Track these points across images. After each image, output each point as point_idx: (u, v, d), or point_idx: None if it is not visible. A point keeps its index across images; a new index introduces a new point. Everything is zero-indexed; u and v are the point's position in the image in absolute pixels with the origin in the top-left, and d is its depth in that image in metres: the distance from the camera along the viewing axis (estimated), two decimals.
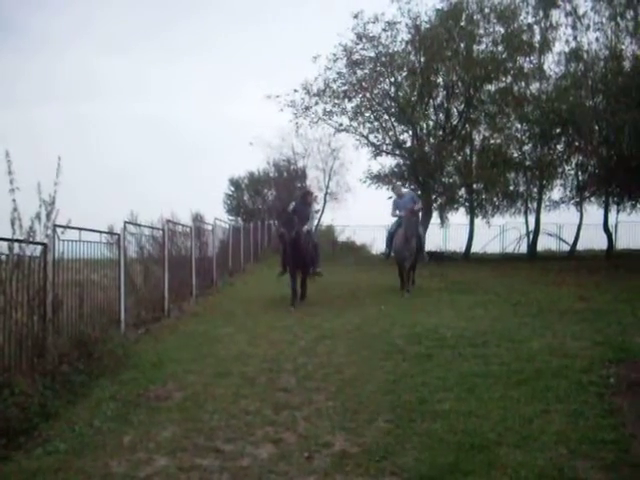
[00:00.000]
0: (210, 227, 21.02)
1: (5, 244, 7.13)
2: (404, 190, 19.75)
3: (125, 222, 12.02)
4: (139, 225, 13.62)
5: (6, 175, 7.45)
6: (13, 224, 7.44)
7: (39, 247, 7.87)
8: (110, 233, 11.26)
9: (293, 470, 5.47)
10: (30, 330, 7.44)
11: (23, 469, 5.38)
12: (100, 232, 10.39)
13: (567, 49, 29.78)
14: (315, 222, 17.59)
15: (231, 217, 40.79)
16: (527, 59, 30.49)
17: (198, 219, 20.33)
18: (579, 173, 32.61)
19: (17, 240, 7.36)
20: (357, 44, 30.40)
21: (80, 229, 9.17)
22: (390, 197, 33.02)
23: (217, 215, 23.39)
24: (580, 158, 32.00)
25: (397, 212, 17.34)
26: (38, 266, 7.82)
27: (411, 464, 5.49)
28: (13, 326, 7.10)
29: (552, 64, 30.84)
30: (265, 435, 6.36)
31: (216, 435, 6.35)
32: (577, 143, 30.73)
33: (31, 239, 7.62)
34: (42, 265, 7.93)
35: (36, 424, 6.44)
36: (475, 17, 30.06)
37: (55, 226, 8.18)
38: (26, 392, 6.55)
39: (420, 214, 18.70)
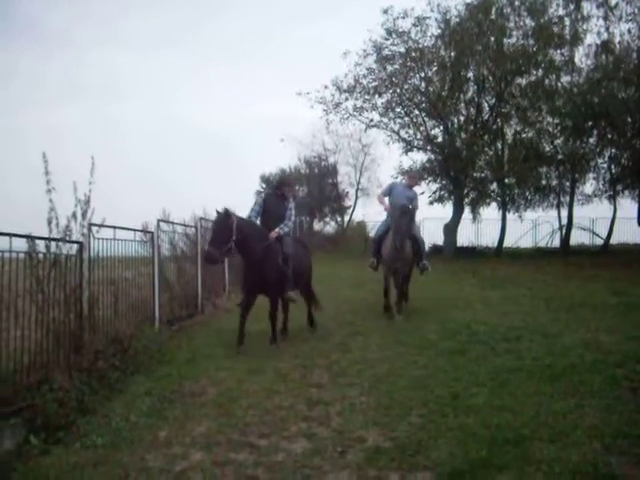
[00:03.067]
0: None
1: (43, 243, 7.24)
2: (415, 184, 14.68)
3: (158, 220, 12.10)
4: (172, 223, 13.69)
5: (43, 175, 7.55)
6: (50, 223, 7.55)
7: (75, 246, 7.98)
8: (144, 231, 11.38)
9: (327, 465, 5.53)
10: (67, 327, 7.56)
11: (62, 463, 5.48)
12: (134, 230, 10.50)
13: (599, 41, 29.34)
14: (291, 224, 11.23)
15: None
16: (558, 52, 30.11)
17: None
18: (612, 166, 32.19)
19: (54, 239, 7.47)
20: (387, 40, 30.26)
21: (114, 227, 9.27)
22: (422, 192, 32.99)
23: (247, 213, 23.38)
24: (613, 151, 31.59)
25: (386, 200, 13.50)
26: (74, 264, 7.93)
27: (444, 459, 5.51)
28: (51, 323, 7.22)
29: (583, 56, 30.37)
30: (299, 430, 6.43)
31: (250, 430, 6.43)
32: (610, 136, 30.32)
33: (67, 238, 7.73)
34: (78, 263, 8.04)
35: (74, 419, 6.56)
36: (505, 10, 29.73)
37: (90, 225, 8.28)
38: (64, 388, 6.66)
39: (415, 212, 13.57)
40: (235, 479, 5.26)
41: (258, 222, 10.87)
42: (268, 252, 10.24)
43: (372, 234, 34.55)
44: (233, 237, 9.61)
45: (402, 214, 12.60)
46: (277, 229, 10.59)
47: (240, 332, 10.22)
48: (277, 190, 11.23)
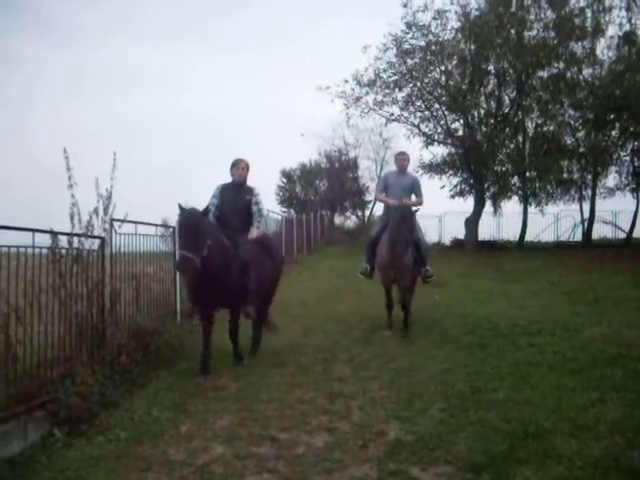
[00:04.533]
0: None
1: (65, 238, 7.30)
2: (408, 167, 12.10)
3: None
4: None
5: (65, 171, 7.61)
6: (72, 219, 7.61)
7: (97, 241, 8.03)
8: (165, 226, 11.42)
9: (348, 458, 5.54)
10: (89, 322, 7.61)
11: (86, 456, 5.53)
12: (155, 225, 10.53)
13: (621, 33, 29.19)
14: (264, 221, 9.67)
15: (283, 209, 40.89)
16: (579, 44, 29.92)
17: None
18: (635, 159, 31.99)
19: (76, 234, 7.53)
20: (407, 33, 30.17)
21: (136, 223, 9.31)
22: (443, 186, 32.95)
23: (269, 207, 23.43)
24: (636, 144, 31.38)
25: (385, 196, 11.44)
26: (96, 259, 7.99)
27: (465, 453, 5.52)
28: (73, 318, 7.28)
29: (605, 48, 30.20)
30: (320, 424, 6.45)
31: (271, 424, 6.45)
32: (632, 128, 30.11)
33: (89, 233, 7.78)
34: (100, 258, 8.09)
35: (96, 413, 6.61)
36: (525, 3, 29.55)
37: (112, 220, 8.33)
38: (87, 382, 6.71)
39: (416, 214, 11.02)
40: (256, 472, 5.28)
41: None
42: (228, 258, 8.47)
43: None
44: (208, 241, 7.97)
45: (401, 221, 10.41)
46: (253, 229, 9.09)
47: (205, 357, 8.57)
48: (231, 177, 9.33)
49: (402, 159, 11.81)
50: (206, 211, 8.34)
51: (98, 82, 69.72)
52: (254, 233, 9.06)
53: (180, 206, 8.22)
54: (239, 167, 9.25)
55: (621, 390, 7.07)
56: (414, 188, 11.41)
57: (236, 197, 9.15)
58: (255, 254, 9.00)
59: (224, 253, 8.41)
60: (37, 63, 71.71)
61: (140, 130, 66.60)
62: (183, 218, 8.15)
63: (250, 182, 9.50)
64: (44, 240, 6.94)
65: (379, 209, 38.94)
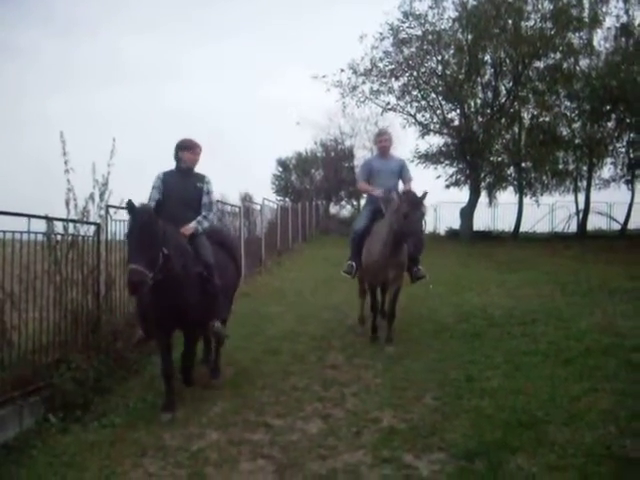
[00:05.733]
0: (258, 207, 21.18)
1: (61, 224, 7.29)
2: (391, 148, 10.40)
3: None
4: None
5: (61, 156, 7.57)
6: (68, 204, 7.58)
7: (92, 227, 8.02)
8: None
9: (342, 445, 5.58)
10: (85, 308, 7.61)
11: (81, 441, 5.55)
12: None
13: (618, 24, 29.23)
14: (213, 216, 7.42)
15: (279, 197, 40.96)
16: (576, 35, 29.90)
17: (247, 199, 20.46)
18: (630, 151, 32.06)
19: (72, 220, 7.51)
20: (403, 22, 30.12)
21: None
22: (438, 176, 32.91)
23: (265, 195, 23.45)
24: (631, 135, 31.45)
25: (367, 185, 9.86)
26: (92, 246, 7.98)
27: (458, 440, 5.55)
28: (69, 304, 7.28)
29: (602, 40, 30.25)
30: (314, 411, 6.50)
31: (266, 411, 6.50)
32: (628, 120, 30.17)
33: (85, 219, 7.77)
34: (95, 245, 8.08)
35: (92, 398, 6.64)
36: None
37: (108, 206, 8.31)
38: (82, 368, 6.72)
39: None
40: (251, 458, 5.31)
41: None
42: (189, 266, 6.55)
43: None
44: (164, 249, 6.05)
45: (413, 207, 8.44)
46: (193, 223, 7.00)
47: (169, 393, 6.59)
48: (178, 162, 7.33)
49: (383, 140, 10.06)
50: (158, 209, 6.40)
51: (92, 71, 69.68)
52: (190, 227, 6.92)
53: (130, 204, 6.05)
54: (194, 151, 7.31)
55: (614, 380, 7.11)
56: (402, 171, 9.87)
57: (184, 186, 7.17)
58: (217, 256, 7.21)
59: (184, 261, 6.46)
60: (33, 52, 71.55)
61: (134, 119, 66.57)
62: (134, 220, 6.08)
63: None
64: (40, 226, 6.95)
65: None
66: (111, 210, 8.46)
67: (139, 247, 5.86)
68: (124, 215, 8.80)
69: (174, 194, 7.07)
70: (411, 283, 9.94)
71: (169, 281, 6.19)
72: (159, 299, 6.34)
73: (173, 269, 6.20)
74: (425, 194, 8.58)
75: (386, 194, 9.25)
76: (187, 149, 7.27)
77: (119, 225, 8.84)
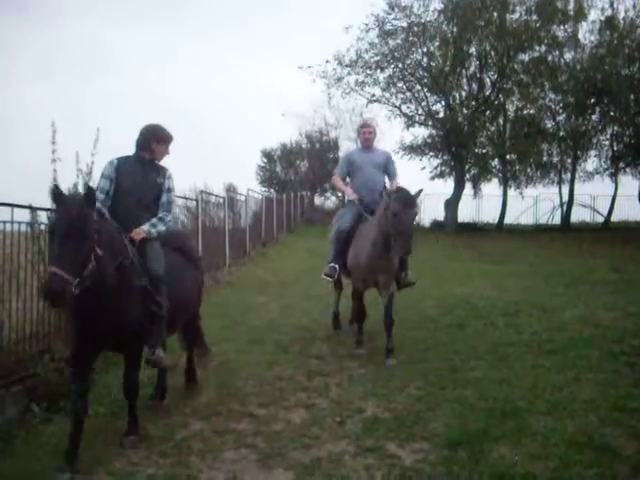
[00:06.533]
0: (243, 198, 21.17)
1: (45, 214, 7.24)
2: (375, 140, 9.59)
3: None
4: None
5: (50, 144, 7.48)
6: None
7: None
8: None
9: (325, 434, 5.60)
10: None
11: (64, 431, 5.53)
12: None
13: (602, 17, 29.31)
14: (171, 217, 6.19)
15: (264, 188, 40.95)
16: (561, 28, 30.00)
17: (231, 190, 20.41)
18: (614, 144, 32.24)
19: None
20: (389, 14, 30.11)
21: None
22: (423, 168, 32.95)
23: (250, 186, 23.42)
24: (615, 128, 31.61)
25: (342, 184, 9.21)
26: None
27: (442, 430, 5.59)
28: None
29: (587, 33, 30.36)
30: (298, 401, 6.51)
31: (250, 400, 6.50)
32: (612, 113, 30.33)
33: None
34: None
35: None
36: None
37: None
38: (65, 358, 6.70)
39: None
40: (234, 447, 5.32)
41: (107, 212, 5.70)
42: (123, 276, 5.24)
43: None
44: (99, 251, 4.83)
45: (405, 205, 7.51)
46: (146, 225, 5.80)
47: (74, 436, 5.11)
48: (142, 151, 6.04)
49: (367, 132, 9.23)
50: (92, 199, 4.89)
51: (76, 61, 69.27)
52: (141, 230, 5.71)
53: (56, 190, 4.91)
54: (169, 144, 6.21)
55: (596, 370, 7.17)
56: (387, 166, 9.05)
57: (143, 180, 5.95)
58: (173, 265, 6.10)
59: (124, 269, 5.23)
60: (15, 43, 71.07)
61: (119, 110, 66.21)
62: (60, 212, 4.84)
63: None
64: (23, 216, 6.90)
65: None
66: None
67: (64, 246, 4.62)
68: None
69: (128, 188, 5.86)
70: (398, 290, 8.71)
71: (100, 292, 4.93)
72: (84, 312, 5.11)
73: (107, 277, 4.99)
74: (420, 192, 7.83)
75: (359, 196, 8.69)
76: (164, 142, 6.12)
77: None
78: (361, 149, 9.40)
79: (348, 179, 9.23)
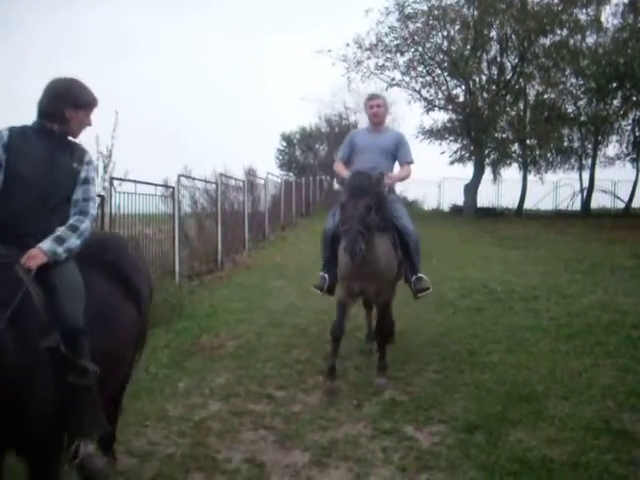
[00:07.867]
0: (262, 181, 21.17)
1: None
2: (385, 115, 7.47)
3: (179, 175, 12.07)
4: (193, 178, 13.68)
5: None
6: None
7: (97, 199, 7.99)
8: (165, 186, 11.38)
9: (342, 416, 5.62)
10: None
11: None
12: (155, 185, 10.53)
13: (626, 0, 28.99)
14: (89, 222, 3.68)
15: (283, 172, 40.87)
16: (584, 11, 29.73)
17: (251, 173, 20.41)
18: (636, 129, 31.98)
19: None
20: None
21: (135, 182, 9.32)
22: (442, 152, 32.79)
23: (269, 170, 23.43)
24: (637, 113, 31.37)
25: (345, 170, 6.94)
26: (95, 218, 7.95)
27: (459, 413, 5.60)
28: None
29: (610, 16, 30.08)
30: (316, 383, 6.52)
31: (268, 382, 6.53)
32: (635, 98, 30.05)
33: None
34: (99, 217, 8.08)
35: None
36: None
37: (112, 178, 8.32)
38: None
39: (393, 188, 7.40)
40: (252, 428, 5.35)
41: None
42: (15, 337, 3.01)
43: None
44: None
45: (351, 194, 6.05)
46: (48, 243, 3.46)
47: None
48: (49, 121, 3.68)
49: (375, 105, 7.25)
50: None
51: (93, 45, 69.40)
52: (39, 253, 3.39)
53: None
54: (89, 107, 3.85)
55: (614, 356, 7.16)
56: (398, 149, 7.19)
57: (51, 165, 3.65)
58: (99, 298, 3.73)
59: (17, 322, 3.04)
60: (30, 27, 71.28)
61: (139, 93, 66.37)
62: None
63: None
64: None
65: None
66: (115, 182, 8.47)
67: None
68: (128, 188, 8.84)
69: (25, 177, 3.57)
70: (414, 298, 7.31)
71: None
72: None
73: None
74: (380, 176, 6.25)
75: (353, 173, 6.55)
76: (84, 107, 3.81)
77: (123, 197, 8.86)
78: (369, 129, 7.49)
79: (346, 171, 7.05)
